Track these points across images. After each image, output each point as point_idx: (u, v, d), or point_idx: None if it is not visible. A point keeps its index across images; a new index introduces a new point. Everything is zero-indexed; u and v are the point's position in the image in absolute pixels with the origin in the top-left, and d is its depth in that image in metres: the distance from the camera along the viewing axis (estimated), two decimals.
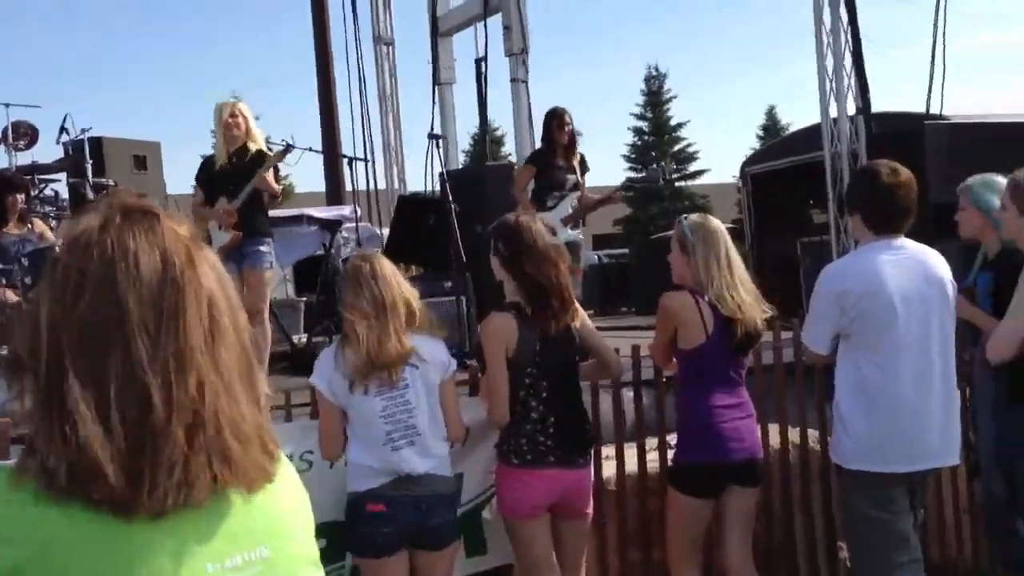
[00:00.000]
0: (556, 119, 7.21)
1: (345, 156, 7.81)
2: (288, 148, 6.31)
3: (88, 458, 1.17)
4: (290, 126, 54.63)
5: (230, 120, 6.29)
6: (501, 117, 18.45)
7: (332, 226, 8.49)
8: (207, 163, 6.56)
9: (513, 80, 9.02)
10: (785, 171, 12.07)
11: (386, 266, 3.67)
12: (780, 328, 4.76)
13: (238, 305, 1.35)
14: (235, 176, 6.26)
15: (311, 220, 8.81)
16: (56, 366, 1.22)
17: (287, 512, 1.37)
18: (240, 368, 1.31)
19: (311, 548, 1.40)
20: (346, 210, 9.01)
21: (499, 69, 9.14)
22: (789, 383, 4.83)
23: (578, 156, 7.32)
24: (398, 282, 3.64)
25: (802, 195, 13.00)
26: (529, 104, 9.04)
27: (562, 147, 7.19)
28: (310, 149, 7.62)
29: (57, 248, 1.31)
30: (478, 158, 17.97)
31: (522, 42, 9.05)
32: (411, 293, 3.67)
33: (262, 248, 6.38)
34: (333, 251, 8.22)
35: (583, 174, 7.35)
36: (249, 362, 1.34)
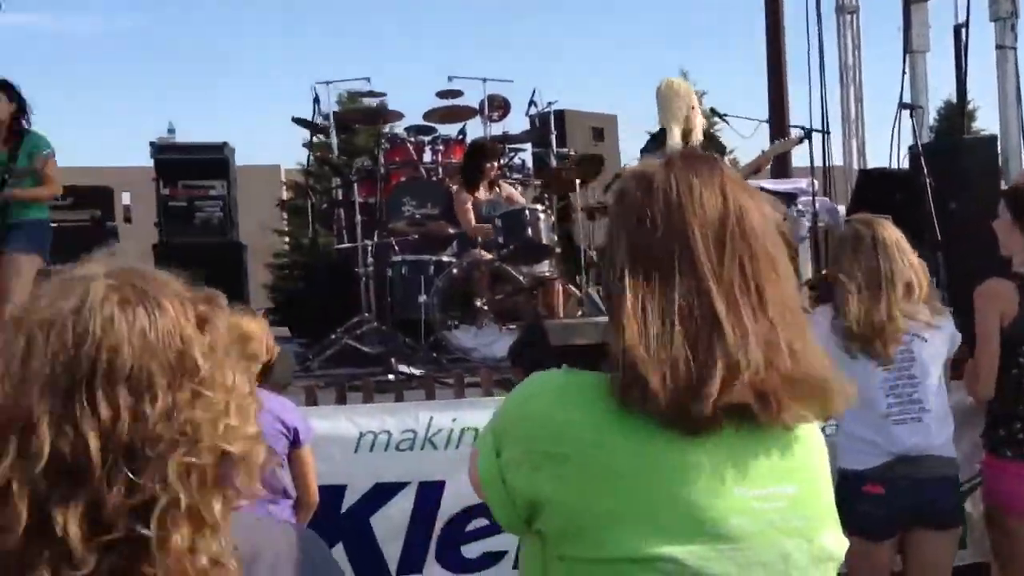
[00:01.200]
0: None
1: (801, 128, 7.49)
2: (806, 135, 6.36)
3: (644, 371, 1.26)
4: (733, 96, 54.48)
5: (693, 101, 6.38)
6: (973, 89, 16.85)
7: (787, 199, 8.26)
8: (656, 140, 6.59)
9: (999, 47, 8.16)
10: None
11: (890, 235, 3.43)
12: None
13: (785, 252, 1.39)
14: None
15: (765, 192, 8.63)
16: (626, 289, 1.33)
17: (815, 457, 1.39)
18: (797, 306, 1.36)
19: (831, 497, 1.41)
20: (802, 183, 8.74)
21: (978, 37, 8.33)
22: None
23: None
24: (901, 253, 3.41)
25: None
26: (1017, 73, 8.14)
27: None
28: (763, 121, 7.45)
29: (616, 186, 1.42)
30: (948, 132, 16.66)
31: (1011, 5, 8.17)
32: (916, 265, 3.43)
33: None
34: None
35: None
36: (798, 307, 1.37)
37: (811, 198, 7.59)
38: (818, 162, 8.07)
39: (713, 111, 7.77)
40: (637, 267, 1.33)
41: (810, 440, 1.38)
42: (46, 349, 1.07)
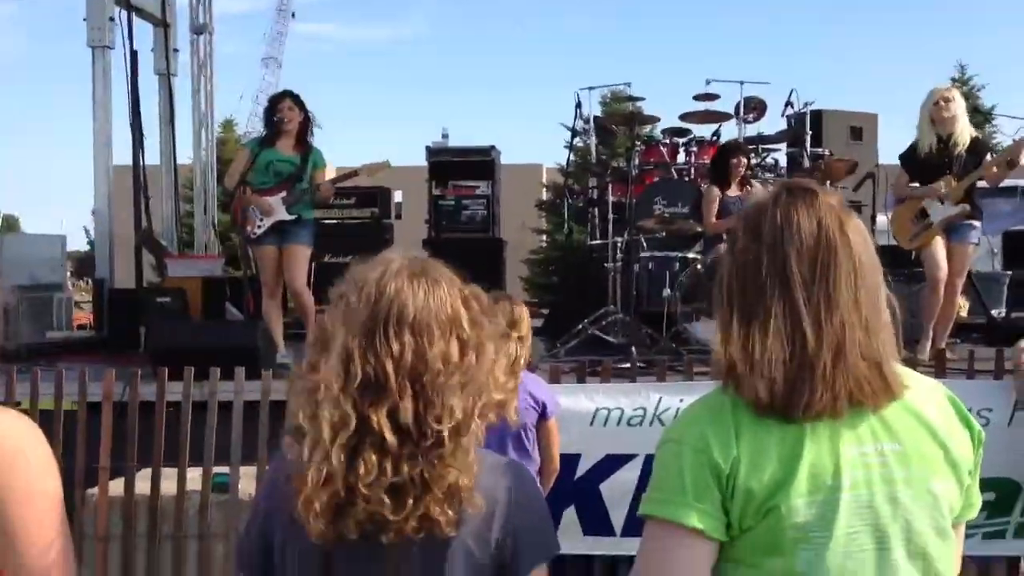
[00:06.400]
0: None
1: None
2: None
3: (753, 377, 1.60)
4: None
5: (943, 103, 6.29)
6: None
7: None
8: (913, 146, 6.59)
9: None
10: None
11: None
12: None
13: (877, 265, 1.68)
14: (946, 161, 6.33)
15: None
16: (731, 306, 1.68)
17: (923, 422, 1.68)
18: (876, 313, 1.65)
19: (945, 453, 1.67)
20: None
21: None
22: None
23: None
24: None
25: None
26: None
27: None
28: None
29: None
30: None
31: None
32: None
33: (974, 224, 6.37)
34: None
35: None
36: (880, 310, 1.66)
37: None
38: None
39: (976, 109, 7.59)
40: (744, 287, 1.66)
41: (912, 409, 1.68)
42: (358, 300, 1.64)
